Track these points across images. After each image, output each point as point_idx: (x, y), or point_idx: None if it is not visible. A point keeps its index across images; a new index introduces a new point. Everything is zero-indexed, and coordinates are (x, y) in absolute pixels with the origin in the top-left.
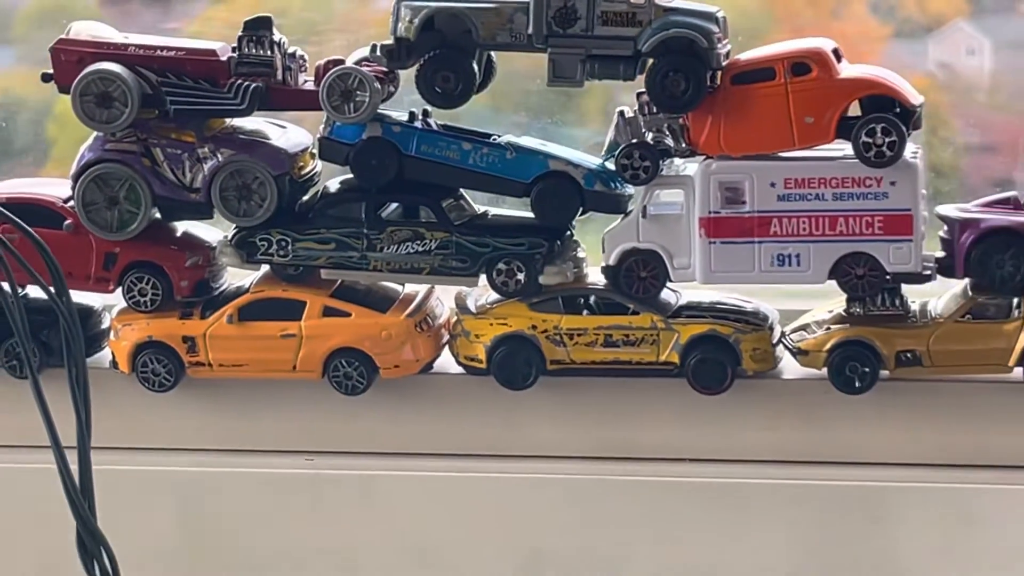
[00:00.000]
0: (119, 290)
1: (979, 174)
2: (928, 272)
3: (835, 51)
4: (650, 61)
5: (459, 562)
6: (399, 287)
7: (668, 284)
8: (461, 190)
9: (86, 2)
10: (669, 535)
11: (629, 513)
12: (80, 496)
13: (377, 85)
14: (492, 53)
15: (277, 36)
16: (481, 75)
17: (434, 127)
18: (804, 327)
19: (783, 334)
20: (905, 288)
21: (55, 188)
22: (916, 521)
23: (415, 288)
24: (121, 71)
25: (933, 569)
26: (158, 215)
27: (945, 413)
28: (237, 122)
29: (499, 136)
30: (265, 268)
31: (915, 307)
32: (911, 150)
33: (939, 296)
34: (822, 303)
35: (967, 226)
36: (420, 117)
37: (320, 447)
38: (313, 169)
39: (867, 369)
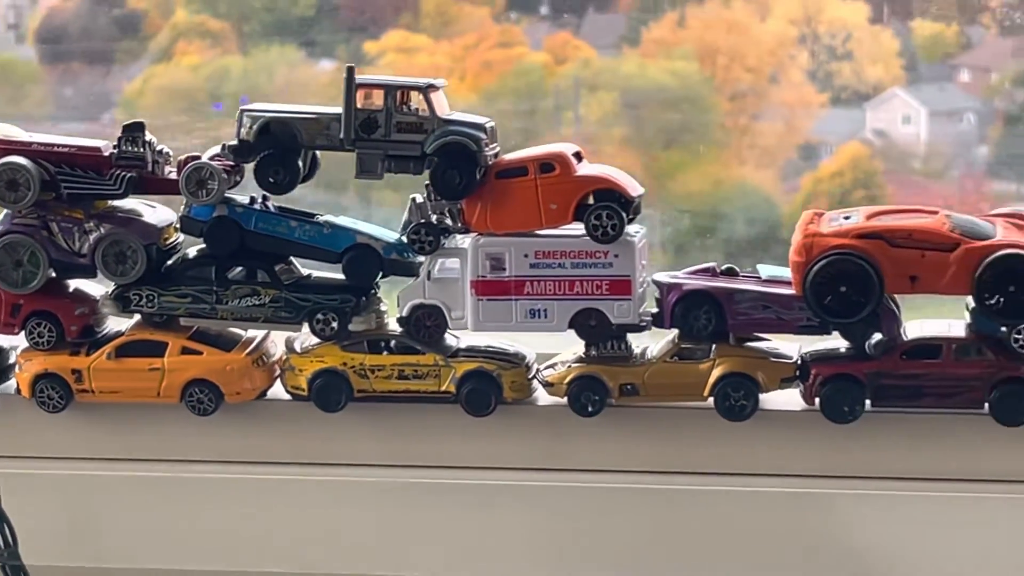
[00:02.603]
0: (23, 333)
1: None
2: (645, 323)
3: (577, 154)
4: (434, 160)
5: (284, 548)
6: (243, 332)
7: (451, 331)
8: (291, 257)
9: (29, 61)
10: (446, 527)
11: (416, 508)
12: None
13: (224, 176)
14: (316, 152)
15: (148, 136)
16: (307, 169)
17: (271, 208)
18: (552, 365)
19: (537, 370)
20: (632, 336)
21: None
22: (633, 516)
23: (255, 333)
24: (26, 163)
25: (642, 554)
26: (54, 274)
27: (656, 432)
28: (117, 202)
29: (321, 216)
30: (137, 316)
31: (638, 350)
32: (632, 230)
33: (657, 342)
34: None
35: (672, 289)
36: (260, 200)
37: (180, 457)
38: (176, 239)
39: (597, 398)
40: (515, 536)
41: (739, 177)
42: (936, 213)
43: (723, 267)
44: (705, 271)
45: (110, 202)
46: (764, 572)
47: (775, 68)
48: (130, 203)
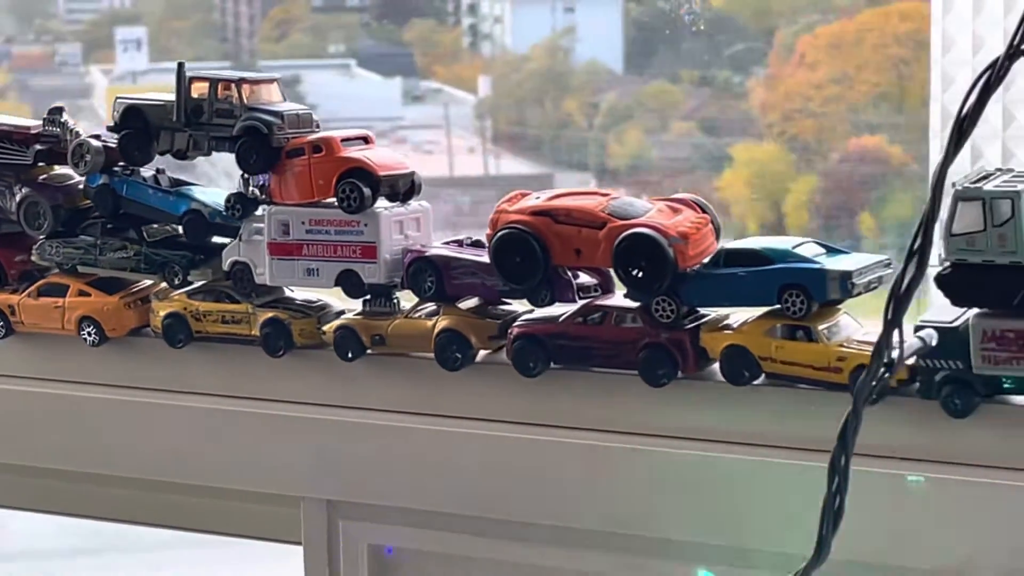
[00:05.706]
0: None
1: None
2: (394, 284)
3: (362, 138)
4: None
5: (139, 455)
6: (137, 278)
7: (293, 287)
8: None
9: None
10: (242, 445)
11: (234, 429)
12: None
13: (100, 148)
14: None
15: (64, 118)
16: (187, 147)
17: (161, 181)
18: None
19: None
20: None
21: None
22: (376, 445)
23: (145, 281)
24: None
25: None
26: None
27: (401, 375)
28: (59, 170)
29: (188, 187)
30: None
31: (406, 306)
32: (385, 205)
33: None
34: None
35: (407, 254)
36: (154, 172)
37: (73, 378)
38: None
39: (354, 345)
40: (288, 455)
41: None
42: (607, 195)
43: (473, 239)
44: (456, 242)
45: (55, 171)
46: (476, 502)
47: None
48: (65, 171)
